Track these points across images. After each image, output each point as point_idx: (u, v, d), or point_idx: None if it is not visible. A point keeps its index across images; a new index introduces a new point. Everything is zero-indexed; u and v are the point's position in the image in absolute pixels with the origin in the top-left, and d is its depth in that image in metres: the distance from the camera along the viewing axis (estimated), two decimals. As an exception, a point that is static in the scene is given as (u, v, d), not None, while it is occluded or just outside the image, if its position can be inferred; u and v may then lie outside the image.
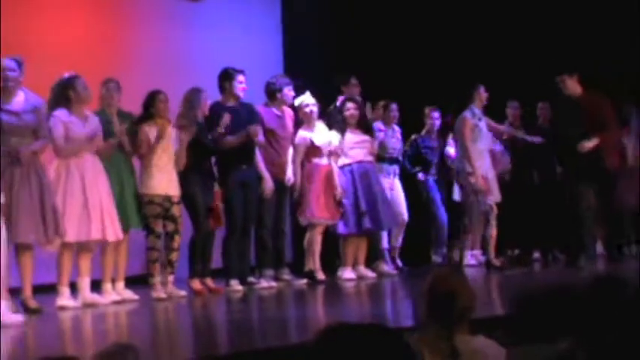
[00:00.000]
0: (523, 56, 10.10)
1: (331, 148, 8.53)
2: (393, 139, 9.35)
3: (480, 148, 9.05)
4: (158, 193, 7.55)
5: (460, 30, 10.23)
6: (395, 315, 6.63)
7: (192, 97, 7.85)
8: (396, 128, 9.45)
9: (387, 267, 9.05)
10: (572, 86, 8.62)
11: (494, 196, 9.18)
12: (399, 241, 9.43)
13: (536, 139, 9.67)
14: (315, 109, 8.54)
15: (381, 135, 9.17)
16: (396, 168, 9.38)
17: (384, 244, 9.22)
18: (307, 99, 8.57)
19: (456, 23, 10.29)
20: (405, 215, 9.30)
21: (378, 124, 9.24)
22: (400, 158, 9.50)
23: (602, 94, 8.55)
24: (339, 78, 9.10)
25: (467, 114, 9.06)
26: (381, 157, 9.14)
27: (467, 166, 8.98)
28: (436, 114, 9.75)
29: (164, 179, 7.58)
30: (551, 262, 9.64)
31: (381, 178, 8.94)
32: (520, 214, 9.60)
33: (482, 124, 9.12)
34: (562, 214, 9.84)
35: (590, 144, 8.41)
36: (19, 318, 6.19)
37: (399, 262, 9.44)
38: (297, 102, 8.60)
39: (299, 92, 8.59)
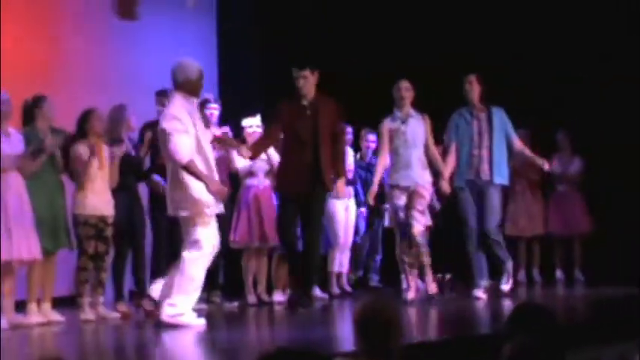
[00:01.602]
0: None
1: (267, 168, 8.50)
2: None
3: (405, 157, 8.01)
4: (93, 214, 7.45)
5: (398, 49, 10.23)
6: (323, 340, 6.57)
7: (116, 114, 7.80)
8: (350, 151, 9.35)
9: (318, 291, 9.01)
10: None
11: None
12: (343, 265, 9.28)
13: None
14: (259, 130, 8.49)
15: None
16: (350, 190, 9.26)
17: (335, 267, 9.19)
18: (254, 121, 8.55)
19: (393, 42, 10.32)
20: (347, 238, 9.20)
21: None
22: (355, 180, 9.41)
23: None
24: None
25: (386, 119, 8.13)
26: None
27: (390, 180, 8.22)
28: (372, 136, 9.57)
29: (99, 199, 7.47)
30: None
31: (333, 200, 8.89)
32: (451, 237, 9.64)
33: (408, 128, 8.05)
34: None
35: None
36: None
37: (347, 287, 9.37)
38: (244, 122, 8.58)
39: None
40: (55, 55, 9.09)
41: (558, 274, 10.03)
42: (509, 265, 8.29)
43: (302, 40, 10.19)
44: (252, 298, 8.55)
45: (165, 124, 6.66)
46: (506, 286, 8.20)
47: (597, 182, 9.81)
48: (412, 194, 7.94)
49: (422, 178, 8.00)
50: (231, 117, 8.81)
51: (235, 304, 8.31)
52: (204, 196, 6.68)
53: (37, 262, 7.14)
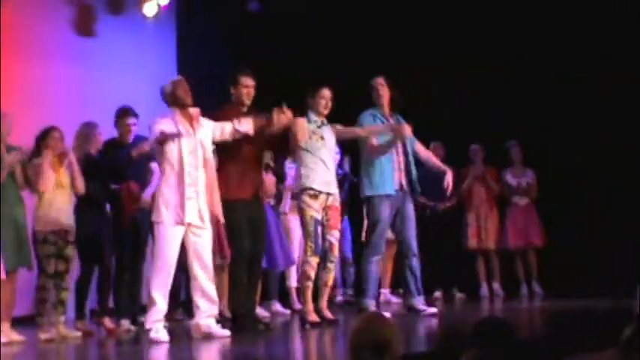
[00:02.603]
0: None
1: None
2: None
3: (318, 162, 7.41)
4: (53, 230, 7.39)
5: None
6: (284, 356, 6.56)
7: (85, 131, 7.76)
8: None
9: (279, 306, 8.98)
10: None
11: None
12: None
13: None
14: None
15: (292, 172, 9.07)
16: None
17: (292, 282, 9.15)
18: None
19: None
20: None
21: (288, 163, 9.15)
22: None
23: None
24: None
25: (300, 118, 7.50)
26: None
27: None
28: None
29: (59, 214, 7.42)
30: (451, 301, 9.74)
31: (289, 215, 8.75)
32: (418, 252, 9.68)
33: (326, 132, 7.55)
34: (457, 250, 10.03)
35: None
36: None
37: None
38: None
39: None
40: (14, 74, 9.02)
41: (523, 288, 10.09)
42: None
43: (264, 51, 10.24)
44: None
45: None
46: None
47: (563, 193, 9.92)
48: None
49: None
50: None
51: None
52: (162, 204, 6.72)
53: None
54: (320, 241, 7.35)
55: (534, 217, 10.12)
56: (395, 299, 9.62)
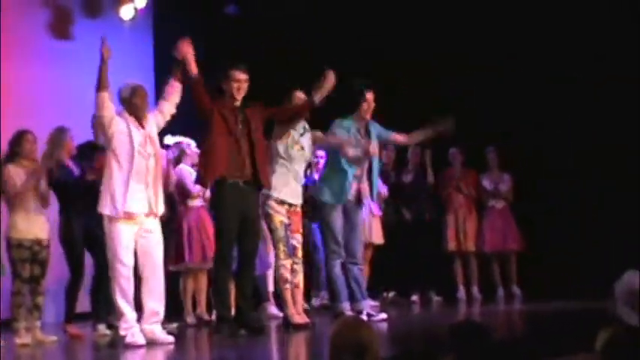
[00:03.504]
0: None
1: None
2: None
3: (290, 173, 7.51)
4: (28, 238, 7.34)
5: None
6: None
7: (57, 136, 7.70)
8: None
9: (274, 309, 8.96)
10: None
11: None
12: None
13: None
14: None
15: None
16: None
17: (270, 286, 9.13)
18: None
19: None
20: None
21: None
22: None
23: None
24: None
25: None
26: None
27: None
28: (320, 152, 9.61)
29: (34, 222, 7.38)
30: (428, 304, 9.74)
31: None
32: (395, 255, 9.70)
33: (306, 141, 7.60)
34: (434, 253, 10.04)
35: None
36: None
37: None
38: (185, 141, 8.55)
39: None
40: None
41: (499, 291, 10.12)
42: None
43: (242, 54, 10.20)
44: (191, 319, 8.51)
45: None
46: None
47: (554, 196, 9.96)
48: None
49: None
50: (169, 133, 8.74)
51: (175, 325, 8.23)
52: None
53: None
54: (290, 243, 7.40)
55: (510, 220, 10.16)
56: (372, 302, 9.55)
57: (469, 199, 10.22)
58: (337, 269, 7.74)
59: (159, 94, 10.20)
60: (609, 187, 9.78)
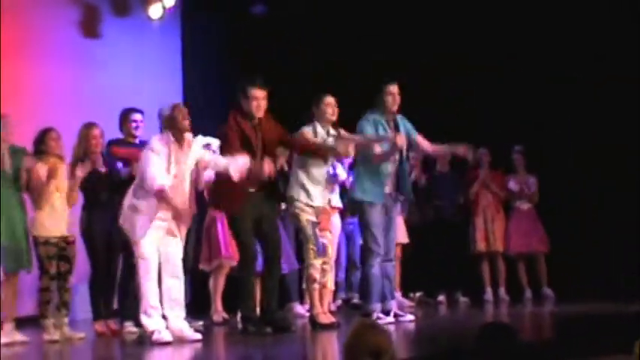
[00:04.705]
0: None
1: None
2: None
3: (317, 180, 7.49)
4: (54, 235, 7.38)
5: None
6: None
7: (85, 132, 7.72)
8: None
9: (300, 308, 8.94)
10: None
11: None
12: None
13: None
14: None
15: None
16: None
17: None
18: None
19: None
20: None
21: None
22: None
23: None
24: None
25: (306, 127, 7.58)
26: None
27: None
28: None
29: (57, 221, 7.41)
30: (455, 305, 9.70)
31: None
32: (422, 255, 9.67)
33: (331, 141, 7.54)
34: (461, 254, 10.00)
35: None
36: None
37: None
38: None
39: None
40: (17, 75, 9.01)
41: (527, 292, 10.05)
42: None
43: (268, 53, 10.24)
44: (217, 317, 8.51)
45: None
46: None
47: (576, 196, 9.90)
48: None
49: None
50: (195, 134, 8.75)
51: (201, 322, 8.24)
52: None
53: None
54: (320, 242, 7.36)
55: (537, 222, 10.10)
56: (407, 302, 9.52)
57: (496, 199, 10.16)
58: (376, 269, 7.58)
59: (187, 92, 10.30)
60: (609, 187, 9.72)
